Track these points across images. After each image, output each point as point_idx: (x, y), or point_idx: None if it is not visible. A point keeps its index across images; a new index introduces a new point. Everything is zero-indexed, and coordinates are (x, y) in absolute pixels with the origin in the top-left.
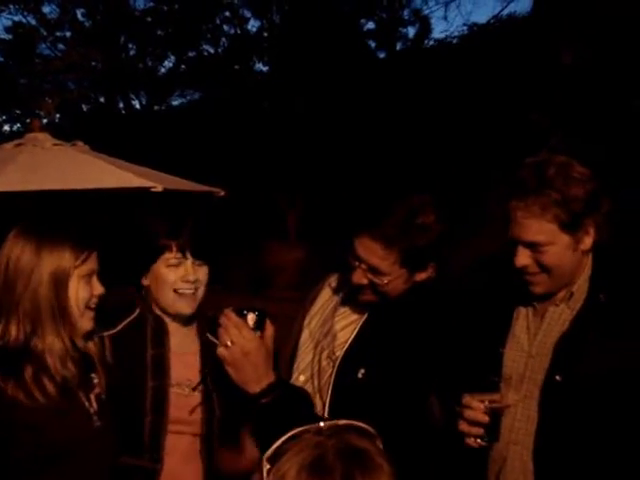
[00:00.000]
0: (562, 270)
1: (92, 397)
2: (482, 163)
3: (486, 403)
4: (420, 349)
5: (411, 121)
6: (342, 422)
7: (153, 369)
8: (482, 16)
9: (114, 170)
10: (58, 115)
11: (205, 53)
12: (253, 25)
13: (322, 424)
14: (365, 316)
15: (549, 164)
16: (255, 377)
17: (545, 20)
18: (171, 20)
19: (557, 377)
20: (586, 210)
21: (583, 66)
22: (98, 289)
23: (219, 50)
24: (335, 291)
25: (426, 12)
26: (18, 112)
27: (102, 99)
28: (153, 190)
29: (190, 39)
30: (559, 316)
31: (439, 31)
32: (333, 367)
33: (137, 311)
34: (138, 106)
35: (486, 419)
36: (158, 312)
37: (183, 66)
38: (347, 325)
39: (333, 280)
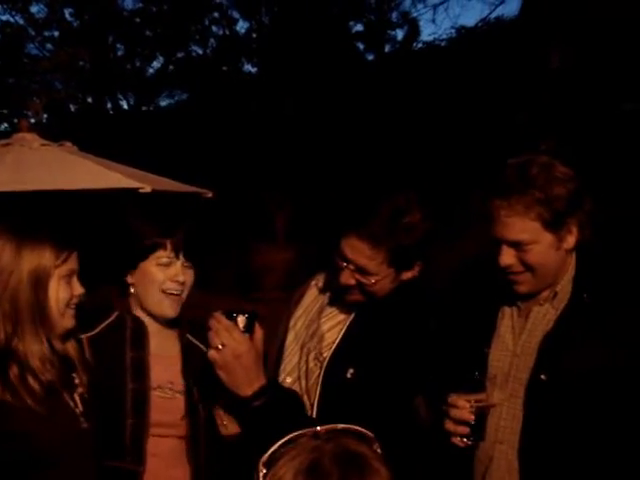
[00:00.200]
0: (546, 269)
1: (77, 397)
2: (469, 165)
3: (472, 402)
4: (407, 349)
5: (399, 123)
6: (340, 426)
7: (133, 371)
8: (470, 19)
9: (102, 171)
10: (46, 115)
11: (194, 54)
12: (242, 26)
13: (319, 428)
14: (352, 316)
15: (532, 164)
16: (247, 380)
17: (533, 23)
18: (159, 21)
19: (542, 376)
20: (569, 209)
21: (571, 69)
22: (78, 289)
23: (208, 51)
24: (320, 292)
25: (414, 15)
26: (5, 112)
27: (90, 99)
28: (141, 191)
29: (179, 40)
30: (543, 316)
31: (427, 34)
32: (321, 368)
33: (115, 313)
34: (126, 106)
35: (472, 418)
36: (138, 313)
37: (171, 67)
38: (334, 326)
39: (318, 281)
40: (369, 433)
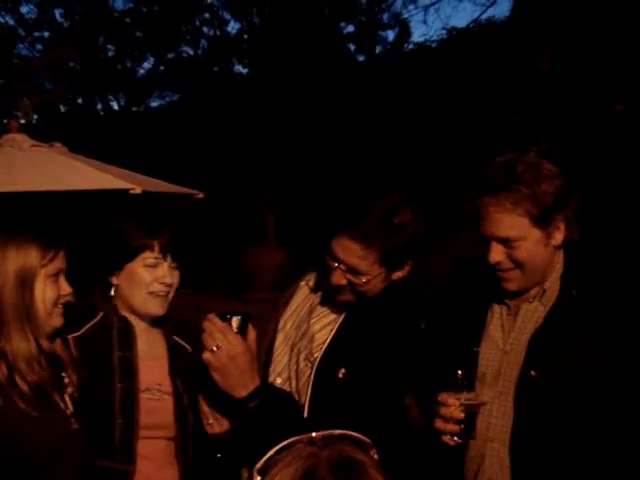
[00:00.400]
0: (535, 265)
1: (67, 398)
2: (461, 166)
3: (462, 400)
4: (397, 348)
5: (390, 124)
6: (336, 432)
7: (121, 371)
8: (461, 20)
9: (92, 172)
10: (36, 116)
11: (184, 55)
12: (233, 27)
13: (314, 434)
14: (342, 316)
15: (518, 162)
16: (242, 381)
17: (524, 24)
18: (150, 21)
19: (532, 372)
20: (556, 205)
21: (562, 70)
22: (65, 289)
23: (198, 52)
24: (310, 292)
25: (405, 16)
26: None
27: (80, 100)
28: (132, 192)
29: (169, 40)
30: (532, 313)
31: (418, 35)
32: (312, 368)
33: (100, 314)
34: (116, 107)
35: (462, 416)
36: (125, 313)
37: (162, 67)
38: (324, 326)
39: (308, 281)
40: (366, 439)
